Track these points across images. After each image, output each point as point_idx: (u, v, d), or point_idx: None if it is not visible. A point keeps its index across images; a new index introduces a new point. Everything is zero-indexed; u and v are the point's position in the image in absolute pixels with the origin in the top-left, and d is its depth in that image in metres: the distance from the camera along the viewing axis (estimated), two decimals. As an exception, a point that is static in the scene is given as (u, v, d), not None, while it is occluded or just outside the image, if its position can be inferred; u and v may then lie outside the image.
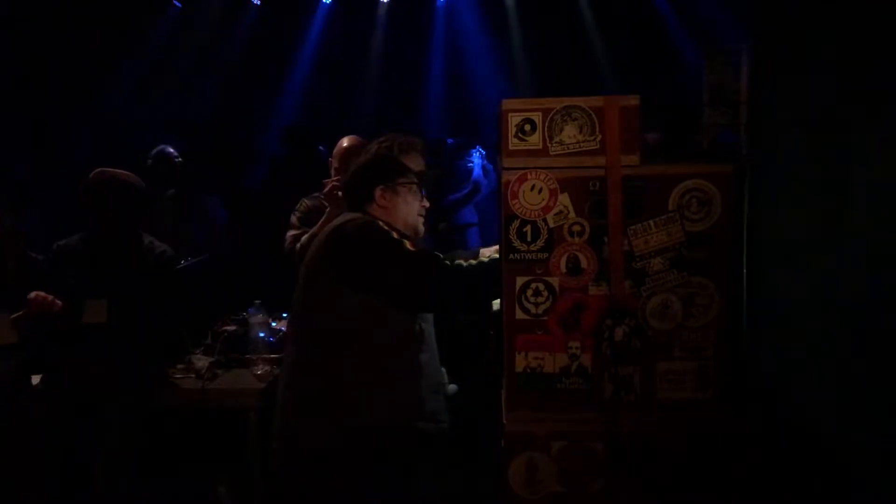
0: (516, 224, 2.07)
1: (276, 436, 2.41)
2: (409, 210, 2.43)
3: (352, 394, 2.27)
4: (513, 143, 2.05)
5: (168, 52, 7.16)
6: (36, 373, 3.17)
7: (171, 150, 5.21)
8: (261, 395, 3.10)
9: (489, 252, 2.57)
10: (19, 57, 6.26)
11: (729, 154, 2.12)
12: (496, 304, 2.36)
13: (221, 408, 3.17)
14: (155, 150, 5.20)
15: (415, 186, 2.42)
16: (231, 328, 3.53)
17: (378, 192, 2.41)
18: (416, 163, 2.46)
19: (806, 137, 1.90)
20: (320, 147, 5.93)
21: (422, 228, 2.46)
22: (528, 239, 2.07)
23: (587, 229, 2.06)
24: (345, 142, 3.47)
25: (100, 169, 3.28)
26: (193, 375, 3.33)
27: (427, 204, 2.48)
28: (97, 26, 6.48)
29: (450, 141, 6.18)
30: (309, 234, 3.13)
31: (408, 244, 2.30)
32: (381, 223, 2.34)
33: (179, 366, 3.43)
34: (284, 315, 3.48)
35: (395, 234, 2.31)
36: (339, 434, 2.26)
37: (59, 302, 2.92)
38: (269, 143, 7.20)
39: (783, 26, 1.99)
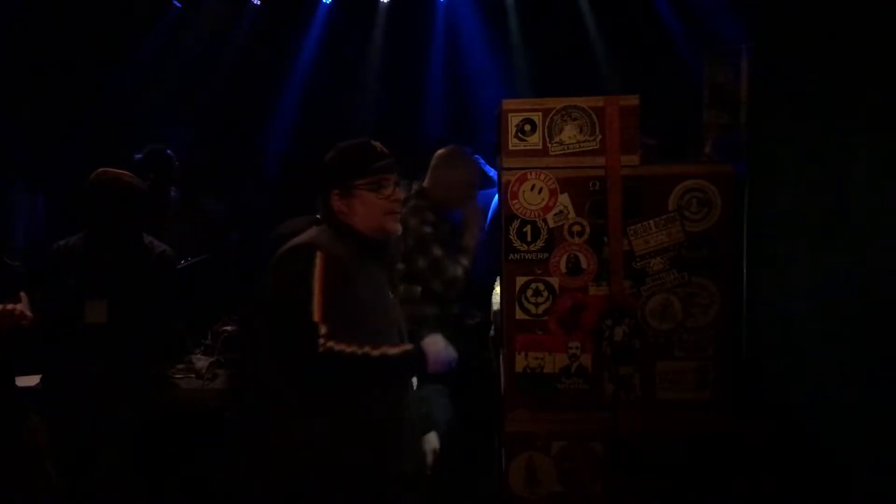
0: (516, 224, 2.07)
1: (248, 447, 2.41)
2: (368, 211, 2.24)
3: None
4: (513, 143, 2.05)
5: (168, 52, 7.16)
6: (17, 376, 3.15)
7: (168, 151, 5.20)
8: (261, 395, 3.10)
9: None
10: (19, 57, 6.26)
11: (729, 153, 2.12)
12: (496, 303, 2.36)
13: (221, 408, 3.17)
14: (146, 150, 5.19)
15: (371, 184, 2.22)
16: (231, 328, 3.53)
17: (334, 200, 2.28)
18: (366, 161, 2.26)
19: (806, 137, 1.90)
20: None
21: (393, 226, 2.26)
22: (528, 239, 2.07)
23: (587, 229, 2.06)
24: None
25: (100, 169, 3.28)
26: (193, 375, 3.33)
27: (399, 196, 2.28)
28: (97, 26, 6.48)
29: (432, 140, 6.11)
30: None
31: (316, 300, 2.11)
32: (318, 257, 2.15)
33: (179, 366, 3.43)
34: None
35: (316, 285, 2.12)
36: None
37: (28, 314, 2.85)
38: (268, 143, 7.20)
39: (783, 27, 2.00)
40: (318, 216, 2.38)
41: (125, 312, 3.13)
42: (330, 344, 2.10)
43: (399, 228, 2.30)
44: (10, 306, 2.74)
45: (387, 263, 2.37)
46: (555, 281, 2.07)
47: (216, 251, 4.44)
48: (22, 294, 2.92)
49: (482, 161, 5.86)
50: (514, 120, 2.04)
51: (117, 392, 3.12)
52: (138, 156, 5.14)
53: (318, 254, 2.15)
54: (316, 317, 2.12)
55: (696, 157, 2.24)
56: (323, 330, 2.10)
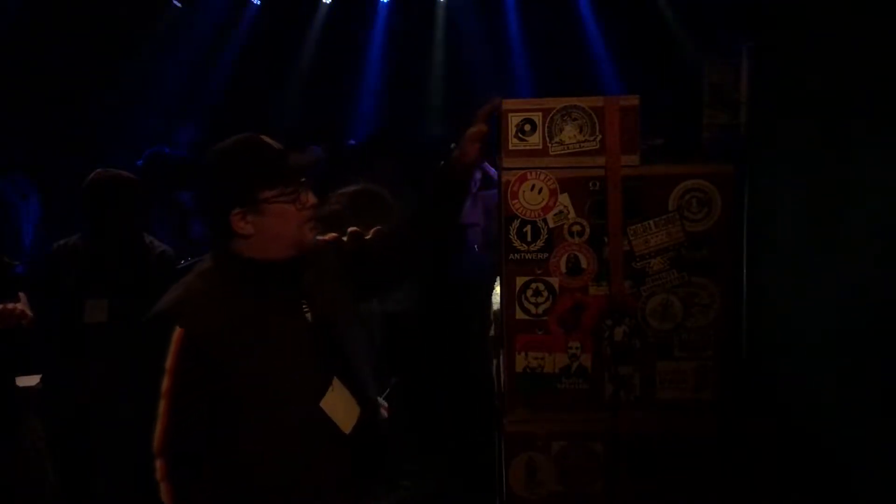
0: (516, 224, 2.07)
1: None
2: (283, 228, 1.79)
3: None
4: (513, 143, 2.05)
5: (168, 53, 7.17)
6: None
7: (167, 150, 5.23)
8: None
9: None
10: (18, 57, 6.26)
11: (729, 153, 2.12)
12: (496, 303, 2.36)
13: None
14: (149, 151, 5.21)
15: (289, 194, 1.79)
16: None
17: (236, 222, 1.76)
18: (276, 165, 1.82)
19: (806, 137, 1.90)
20: (316, 147, 5.94)
21: (310, 237, 1.86)
22: (528, 239, 2.07)
23: (587, 229, 2.06)
24: None
25: (100, 169, 3.28)
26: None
27: (312, 200, 1.84)
28: (97, 26, 6.48)
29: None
30: None
31: (164, 389, 1.67)
32: (175, 336, 1.69)
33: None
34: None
35: (168, 363, 1.67)
36: None
37: (28, 313, 2.86)
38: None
39: (783, 27, 2.00)
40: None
41: (125, 312, 3.14)
42: (157, 468, 1.67)
43: (314, 237, 1.89)
44: (10, 305, 2.75)
45: (307, 280, 1.89)
46: (555, 281, 2.07)
47: (185, 241, 4.45)
48: (21, 294, 2.93)
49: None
50: (513, 120, 2.04)
51: (117, 392, 3.12)
52: (139, 162, 5.16)
53: (177, 331, 1.68)
54: (159, 423, 1.66)
55: (695, 156, 2.24)
56: (157, 444, 1.67)
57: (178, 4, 7.14)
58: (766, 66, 2.06)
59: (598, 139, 2.03)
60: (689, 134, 2.29)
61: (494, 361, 2.48)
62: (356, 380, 1.91)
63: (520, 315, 2.09)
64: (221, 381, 1.70)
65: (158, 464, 1.67)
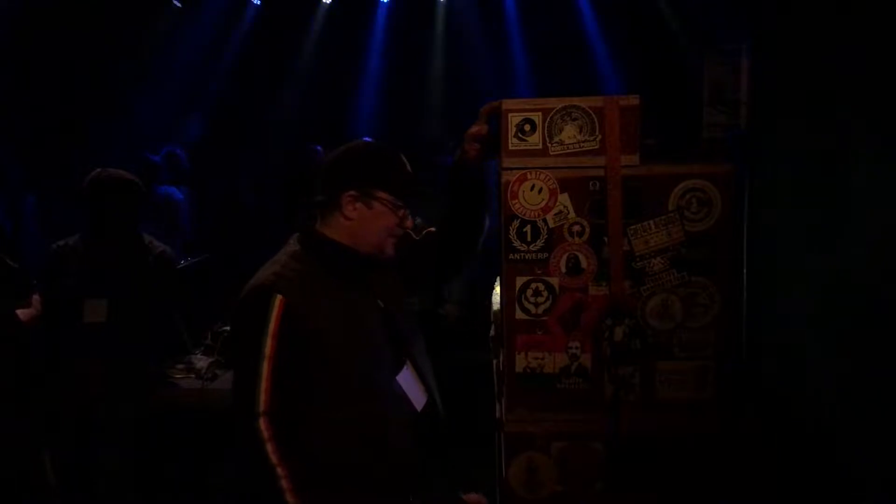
0: (516, 224, 2.07)
1: None
2: (378, 227, 1.96)
3: None
4: (512, 143, 2.05)
5: (168, 52, 7.17)
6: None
7: (180, 151, 5.26)
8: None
9: None
10: (18, 57, 6.26)
11: (729, 153, 2.12)
12: (496, 303, 2.36)
13: (221, 408, 3.17)
14: (164, 150, 5.25)
15: (395, 202, 1.96)
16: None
17: (346, 202, 1.93)
18: (398, 176, 2.01)
19: (806, 137, 1.90)
20: (317, 147, 5.93)
21: (391, 251, 2.00)
22: (528, 239, 2.06)
23: (587, 229, 2.06)
24: None
25: (99, 169, 3.28)
26: (193, 375, 3.33)
27: (410, 223, 2.02)
28: (97, 26, 6.48)
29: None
30: None
31: (265, 364, 1.78)
32: (276, 302, 1.80)
33: (179, 366, 3.43)
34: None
35: (268, 341, 1.78)
36: None
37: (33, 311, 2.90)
38: (269, 143, 7.20)
39: (783, 26, 2.00)
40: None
41: (125, 312, 3.14)
42: (262, 429, 1.76)
43: (392, 253, 2.03)
44: (27, 310, 2.81)
45: (377, 271, 2.05)
46: (555, 281, 2.07)
47: (176, 239, 4.46)
48: (35, 298, 2.95)
49: None
50: (513, 120, 2.04)
51: (117, 392, 3.12)
52: (156, 158, 5.19)
53: (278, 298, 1.82)
54: (263, 384, 1.77)
55: (695, 156, 2.24)
56: (262, 405, 1.77)
57: (178, 4, 7.14)
58: (766, 65, 2.06)
59: (598, 139, 2.03)
60: (689, 134, 2.29)
61: (494, 361, 2.47)
62: (421, 366, 2.07)
63: (520, 315, 2.09)
64: (317, 348, 1.83)
65: (262, 424, 1.75)
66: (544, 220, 2.06)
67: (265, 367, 1.77)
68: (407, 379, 2.00)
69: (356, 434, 1.87)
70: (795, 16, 1.94)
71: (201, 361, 3.39)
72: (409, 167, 2.02)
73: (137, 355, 3.18)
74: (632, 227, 2.05)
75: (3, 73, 6.13)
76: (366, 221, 1.95)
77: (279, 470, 1.75)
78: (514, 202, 2.06)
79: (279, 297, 1.81)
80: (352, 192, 1.93)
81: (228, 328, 1.99)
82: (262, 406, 1.77)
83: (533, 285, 2.08)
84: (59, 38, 6.33)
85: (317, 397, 1.83)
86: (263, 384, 1.77)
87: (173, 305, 3.38)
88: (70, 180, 3.51)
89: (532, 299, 2.08)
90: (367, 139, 2.04)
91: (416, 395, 2.02)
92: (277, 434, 1.77)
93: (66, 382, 3.14)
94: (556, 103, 2.04)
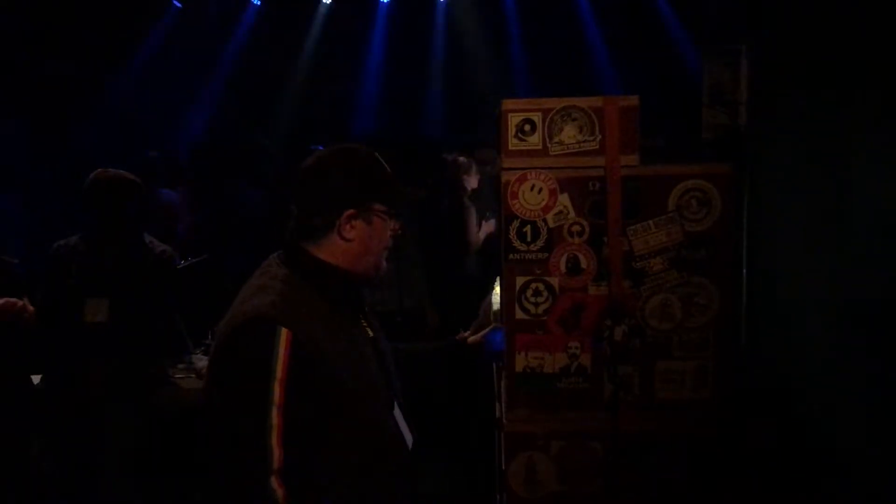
0: (516, 224, 2.07)
1: None
2: (377, 243, 1.75)
3: None
4: (512, 144, 2.05)
5: (168, 52, 7.17)
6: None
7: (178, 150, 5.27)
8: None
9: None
10: (18, 57, 6.26)
11: (728, 153, 2.12)
12: (496, 303, 2.36)
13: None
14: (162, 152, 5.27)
15: (388, 212, 1.75)
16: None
17: (344, 224, 1.69)
18: (388, 180, 1.79)
19: (806, 137, 1.90)
20: (318, 147, 5.93)
21: (384, 263, 1.80)
22: (528, 239, 2.07)
23: (587, 229, 2.06)
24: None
25: (100, 169, 3.28)
26: (193, 375, 3.34)
27: (396, 229, 1.80)
28: (97, 26, 6.49)
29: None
30: None
31: (275, 412, 1.51)
32: (283, 337, 1.54)
33: (179, 366, 3.43)
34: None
35: (276, 387, 1.51)
36: None
37: (30, 307, 2.88)
38: (269, 143, 7.19)
39: (782, 26, 2.00)
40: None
41: (125, 311, 3.14)
42: (276, 489, 1.49)
43: (384, 268, 1.82)
44: (12, 299, 2.79)
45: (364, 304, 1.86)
46: (555, 281, 2.07)
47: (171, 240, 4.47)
48: (25, 297, 2.95)
49: None
50: (513, 120, 2.04)
51: (117, 392, 3.12)
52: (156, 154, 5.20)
53: (284, 332, 1.54)
54: (274, 438, 1.50)
55: (695, 156, 2.24)
56: (276, 461, 1.50)
57: (178, 4, 7.15)
58: (766, 65, 2.06)
59: (598, 139, 2.03)
60: (689, 134, 2.29)
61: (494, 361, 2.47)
62: (402, 400, 1.85)
63: (520, 315, 2.09)
64: (330, 393, 1.59)
65: (276, 482, 1.50)
66: (544, 221, 2.06)
67: (275, 417, 1.50)
68: (398, 415, 1.80)
69: (370, 482, 1.67)
70: (795, 16, 1.94)
71: (201, 361, 3.40)
72: (387, 167, 1.80)
73: (138, 355, 3.18)
74: (631, 227, 2.05)
75: (4, 72, 6.13)
76: (365, 240, 1.72)
77: None
78: (514, 202, 2.06)
79: (285, 330, 1.54)
80: (350, 212, 1.69)
81: (211, 362, 1.66)
82: (276, 463, 1.50)
83: (533, 285, 2.08)
84: (59, 38, 6.34)
85: (330, 445, 1.60)
86: (275, 438, 1.50)
87: (174, 305, 3.38)
88: (72, 181, 3.50)
89: (532, 299, 2.08)
90: (340, 146, 1.79)
91: (406, 431, 1.82)
92: (293, 493, 1.51)
93: (66, 382, 3.15)
94: (555, 103, 2.04)
